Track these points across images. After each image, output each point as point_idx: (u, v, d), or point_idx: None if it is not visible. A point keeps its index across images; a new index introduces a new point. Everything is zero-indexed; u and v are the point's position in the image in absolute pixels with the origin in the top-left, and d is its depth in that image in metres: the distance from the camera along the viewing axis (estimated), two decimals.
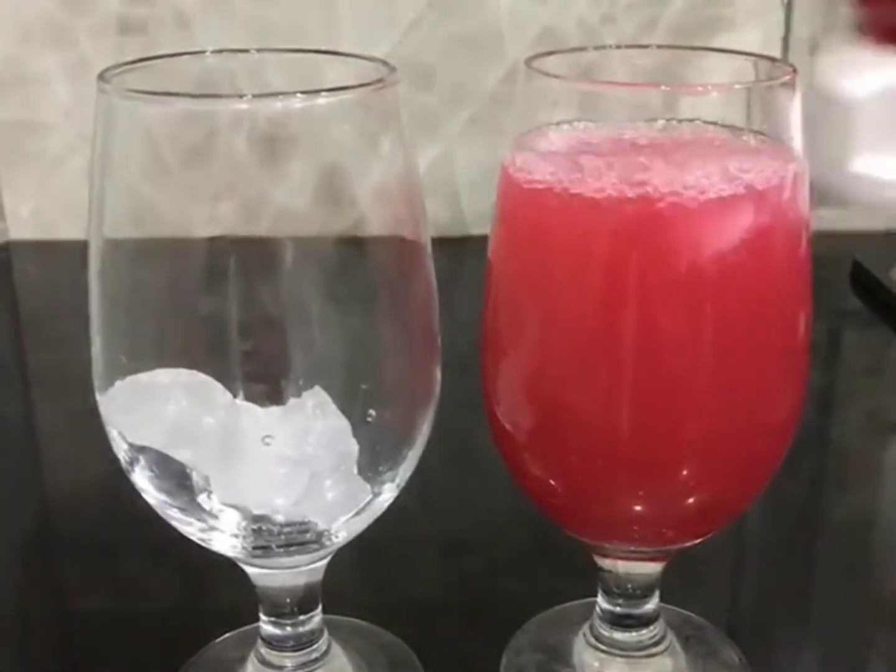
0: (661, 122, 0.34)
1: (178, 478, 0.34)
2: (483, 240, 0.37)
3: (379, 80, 0.33)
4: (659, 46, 0.37)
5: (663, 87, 0.33)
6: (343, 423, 0.34)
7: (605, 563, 0.40)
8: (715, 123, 0.35)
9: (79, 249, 0.40)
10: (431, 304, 0.36)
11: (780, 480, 0.38)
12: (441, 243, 0.37)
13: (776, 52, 0.84)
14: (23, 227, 0.87)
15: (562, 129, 0.35)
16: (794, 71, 0.34)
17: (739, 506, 0.39)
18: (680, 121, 0.34)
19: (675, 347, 0.33)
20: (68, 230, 0.86)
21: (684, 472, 0.36)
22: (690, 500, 0.37)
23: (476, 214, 0.87)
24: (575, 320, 0.34)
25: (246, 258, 0.33)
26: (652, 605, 0.41)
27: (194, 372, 0.33)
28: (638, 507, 0.36)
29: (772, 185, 0.33)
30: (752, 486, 0.38)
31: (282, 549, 0.36)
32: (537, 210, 0.34)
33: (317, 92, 0.31)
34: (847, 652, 0.45)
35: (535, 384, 0.36)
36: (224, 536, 0.35)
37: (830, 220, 0.81)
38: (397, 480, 0.36)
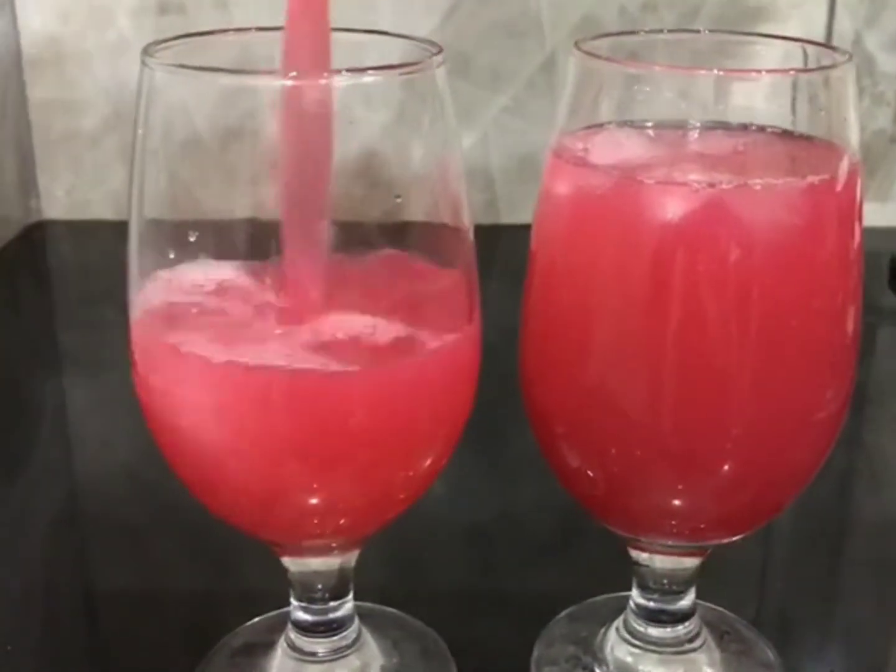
0: (716, 113, 0.33)
1: None
2: (516, 228, 0.37)
3: (425, 60, 0.32)
4: (711, 31, 0.36)
5: (716, 71, 0.32)
6: None
7: (642, 557, 0.39)
8: (771, 122, 0.34)
9: (113, 229, 0.39)
10: (474, 291, 0.36)
11: (812, 480, 0.38)
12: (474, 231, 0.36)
13: None
14: (57, 207, 0.87)
15: (615, 116, 0.34)
16: (851, 58, 0.33)
17: (780, 503, 0.38)
18: (734, 112, 0.33)
19: (721, 340, 0.33)
20: (102, 210, 0.86)
21: (725, 467, 0.35)
22: (730, 496, 0.36)
23: (509, 202, 0.87)
24: (621, 309, 0.33)
25: None
26: (688, 601, 0.40)
27: None
28: (677, 501, 0.36)
29: (825, 179, 0.33)
30: (793, 484, 0.37)
31: None
32: (588, 196, 0.34)
33: (362, 70, 0.31)
34: (877, 652, 0.44)
35: (577, 373, 0.35)
36: None
37: (868, 215, 0.79)
38: None
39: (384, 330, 0.33)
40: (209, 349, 0.32)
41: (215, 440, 0.33)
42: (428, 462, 0.36)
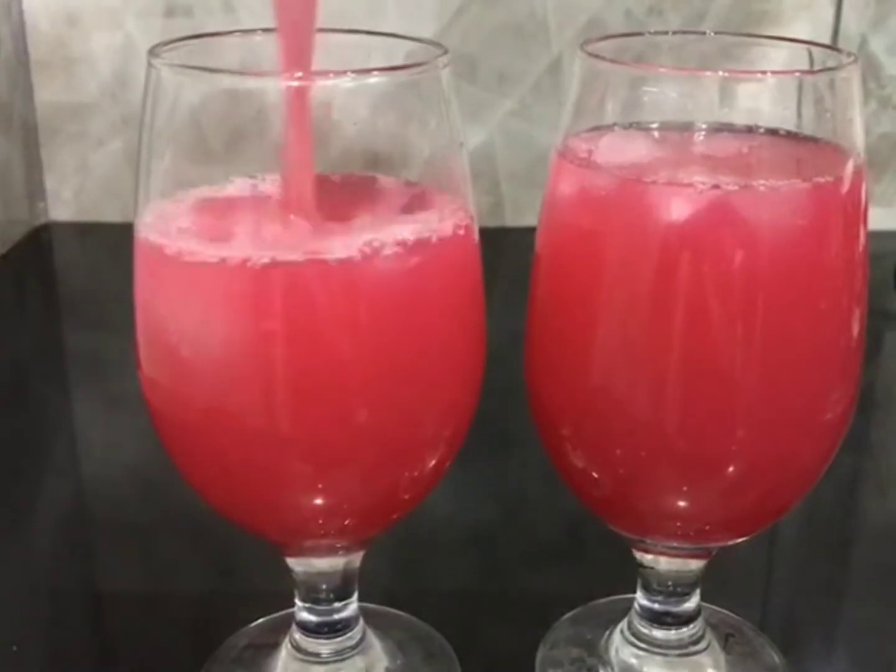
0: (721, 114, 0.33)
1: None
2: (522, 231, 0.37)
3: (430, 61, 0.32)
4: (716, 33, 0.36)
5: (722, 73, 0.32)
6: None
7: (647, 558, 0.39)
8: (776, 124, 0.34)
9: (118, 232, 0.39)
10: (479, 294, 0.35)
11: (818, 482, 0.38)
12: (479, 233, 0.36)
13: None
14: (63, 209, 0.87)
15: (620, 118, 0.34)
16: (856, 59, 0.33)
17: (785, 505, 0.38)
18: (739, 113, 0.34)
19: (726, 341, 0.32)
20: (109, 212, 0.86)
21: (730, 469, 0.35)
22: (735, 498, 0.36)
23: (515, 205, 0.87)
24: (626, 311, 0.33)
25: None
26: (692, 603, 0.40)
27: None
28: (682, 503, 0.36)
29: (830, 180, 0.33)
30: (798, 486, 0.37)
31: None
32: (594, 198, 0.34)
33: (367, 71, 0.31)
34: (883, 655, 0.44)
35: (582, 375, 0.35)
36: None
37: (873, 219, 0.79)
38: None
39: (384, 227, 0.32)
40: (209, 250, 0.31)
41: (217, 355, 0.32)
42: (440, 423, 0.35)
